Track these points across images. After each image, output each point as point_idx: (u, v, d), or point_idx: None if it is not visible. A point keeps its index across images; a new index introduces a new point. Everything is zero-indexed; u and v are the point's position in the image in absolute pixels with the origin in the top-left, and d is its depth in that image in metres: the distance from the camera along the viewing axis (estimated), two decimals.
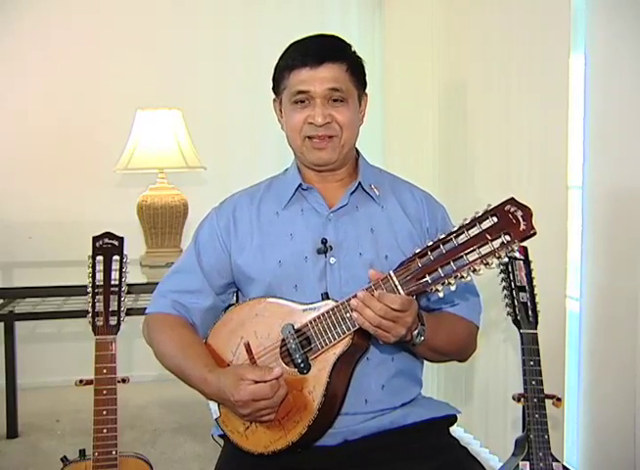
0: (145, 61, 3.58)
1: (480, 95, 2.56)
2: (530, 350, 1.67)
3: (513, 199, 1.26)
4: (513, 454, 1.68)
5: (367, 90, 1.56)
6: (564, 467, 1.63)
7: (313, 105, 1.46)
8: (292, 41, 1.53)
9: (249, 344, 1.40)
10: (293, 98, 1.48)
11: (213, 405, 1.44)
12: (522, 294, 1.71)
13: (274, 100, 1.58)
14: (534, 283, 1.72)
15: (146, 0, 3.62)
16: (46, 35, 3.54)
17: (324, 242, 1.46)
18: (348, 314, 1.33)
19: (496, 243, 1.24)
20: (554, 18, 2.09)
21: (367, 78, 1.54)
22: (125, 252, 1.65)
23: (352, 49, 1.52)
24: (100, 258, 1.63)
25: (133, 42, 3.57)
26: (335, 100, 1.46)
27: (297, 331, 1.38)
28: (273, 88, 1.56)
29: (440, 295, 1.29)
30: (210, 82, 3.62)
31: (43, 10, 3.52)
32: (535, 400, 1.63)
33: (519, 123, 2.30)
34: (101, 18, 3.56)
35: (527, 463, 1.61)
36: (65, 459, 1.65)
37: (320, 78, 1.44)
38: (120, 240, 1.65)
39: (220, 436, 1.49)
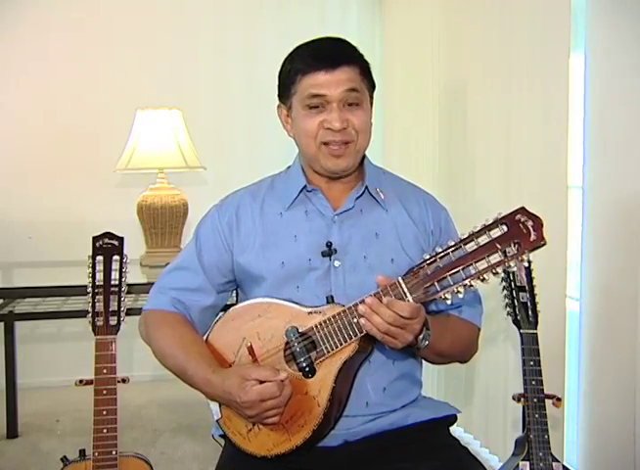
0: (145, 61, 3.58)
1: (481, 95, 2.56)
2: (530, 350, 1.67)
3: (523, 208, 1.26)
4: (513, 454, 1.68)
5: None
6: (564, 467, 1.63)
7: (329, 109, 1.43)
8: (294, 43, 1.50)
9: (251, 345, 1.38)
10: (306, 102, 1.44)
11: (214, 406, 1.43)
12: (522, 294, 1.71)
13: (278, 106, 1.54)
14: (534, 283, 1.72)
15: (146, 0, 3.62)
16: (46, 36, 3.53)
17: (329, 245, 1.45)
18: (355, 320, 1.32)
19: (506, 252, 1.23)
20: (554, 18, 2.09)
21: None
22: (125, 252, 1.65)
23: (361, 53, 1.50)
24: (100, 258, 1.63)
25: (133, 43, 3.56)
26: (350, 104, 1.44)
27: (301, 334, 1.37)
28: (280, 94, 1.52)
29: (448, 302, 1.30)
30: (210, 82, 3.62)
31: (43, 10, 3.52)
32: (535, 400, 1.63)
33: (519, 123, 2.30)
34: (101, 18, 3.56)
35: (527, 463, 1.61)
36: (65, 459, 1.65)
37: (337, 81, 1.41)
38: (120, 240, 1.65)
39: (221, 436, 1.48)
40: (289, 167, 1.60)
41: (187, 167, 3.07)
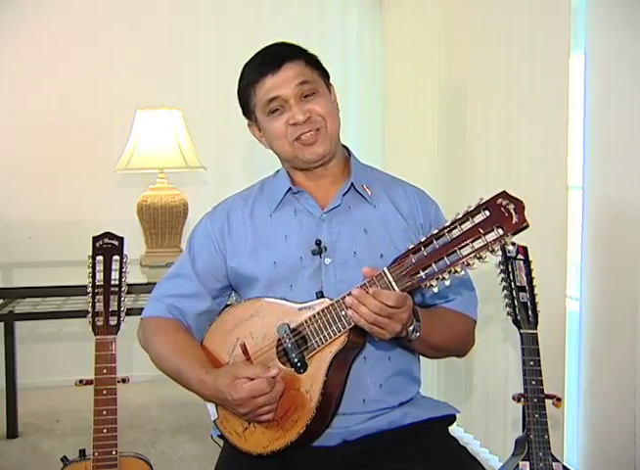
0: (145, 61, 3.58)
1: (480, 95, 2.56)
2: (530, 350, 1.67)
3: (504, 192, 1.25)
4: (513, 454, 1.68)
5: (332, 81, 1.57)
6: (564, 467, 1.63)
7: (289, 107, 1.47)
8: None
9: (245, 345, 1.40)
10: (267, 109, 1.49)
11: (211, 407, 1.44)
12: (522, 294, 1.71)
13: (249, 125, 1.59)
14: (534, 283, 1.72)
15: (146, 0, 3.62)
16: (46, 35, 3.53)
17: (318, 243, 1.46)
18: (343, 312, 1.33)
19: (489, 236, 1.23)
20: (554, 18, 2.09)
21: (328, 71, 1.56)
22: (125, 252, 1.65)
23: (304, 48, 1.54)
24: (100, 258, 1.63)
25: (133, 42, 3.57)
26: (307, 95, 1.47)
27: (292, 330, 1.38)
28: (244, 112, 1.57)
29: (435, 290, 1.29)
30: (210, 82, 3.61)
31: (43, 10, 3.52)
32: (535, 400, 1.63)
33: (519, 123, 2.30)
34: (101, 18, 3.56)
35: (527, 463, 1.61)
36: (65, 459, 1.66)
37: (285, 80, 1.46)
38: (120, 240, 1.65)
39: (219, 436, 1.49)
40: (278, 171, 1.61)
41: (187, 167, 3.08)
